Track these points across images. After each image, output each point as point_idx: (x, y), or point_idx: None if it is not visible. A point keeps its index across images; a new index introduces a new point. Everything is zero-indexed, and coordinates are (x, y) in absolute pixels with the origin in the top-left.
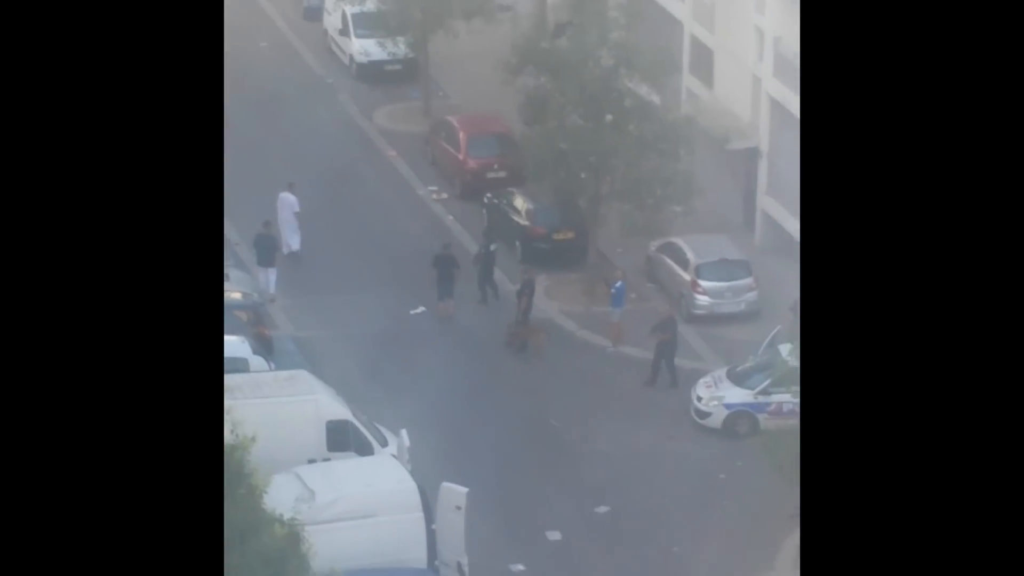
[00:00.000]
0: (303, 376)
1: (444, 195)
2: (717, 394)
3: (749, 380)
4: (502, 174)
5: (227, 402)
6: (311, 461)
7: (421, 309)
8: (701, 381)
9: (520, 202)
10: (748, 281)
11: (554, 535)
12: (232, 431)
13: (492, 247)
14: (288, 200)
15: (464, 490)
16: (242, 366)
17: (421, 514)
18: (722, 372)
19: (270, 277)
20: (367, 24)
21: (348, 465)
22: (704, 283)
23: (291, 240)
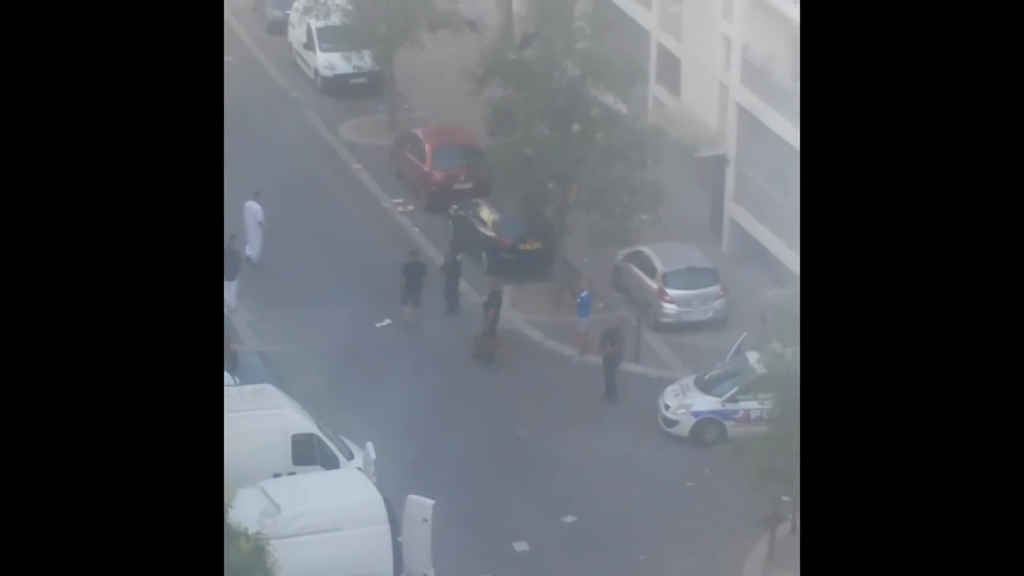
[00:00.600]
0: (268, 390)
1: (410, 207)
2: (685, 402)
3: (716, 388)
4: (468, 185)
5: None
6: (277, 475)
7: (387, 322)
8: (669, 389)
9: (486, 213)
10: (715, 289)
11: (521, 545)
12: None
13: (458, 257)
14: (253, 208)
15: (430, 502)
16: None
17: (387, 527)
18: (690, 380)
19: (231, 290)
20: (332, 38)
21: (314, 479)
22: (671, 291)
23: (253, 248)
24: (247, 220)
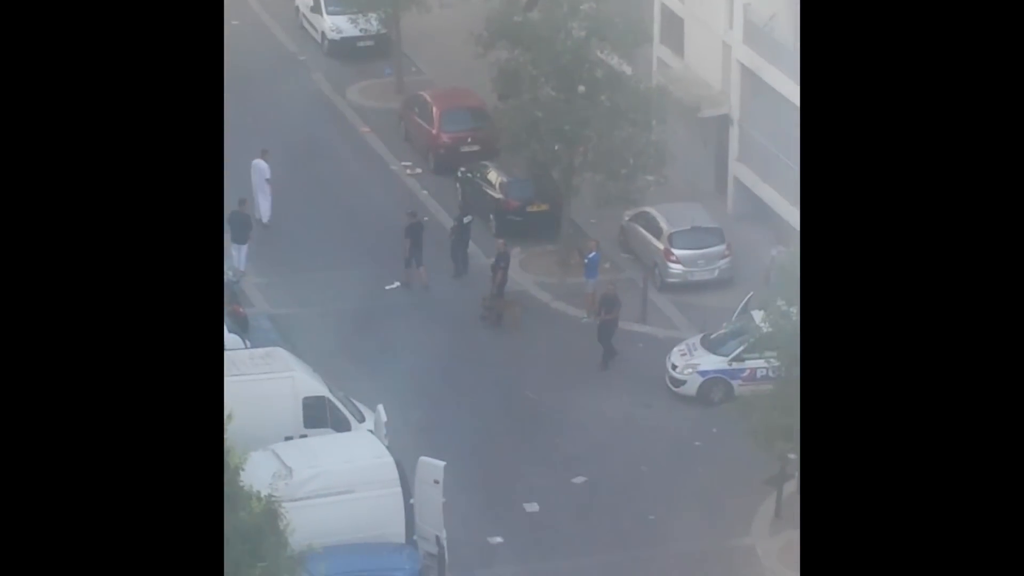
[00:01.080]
0: (279, 353)
1: (418, 170)
2: (691, 362)
3: (723, 347)
4: (475, 148)
5: None
6: (288, 438)
7: (396, 284)
8: (676, 349)
9: (494, 175)
10: (721, 248)
11: (532, 507)
12: None
13: (466, 220)
14: (260, 167)
15: (441, 464)
16: None
17: (399, 489)
18: (696, 340)
19: (241, 254)
20: (339, 0)
21: (325, 441)
22: (677, 251)
23: (262, 207)
24: (254, 178)
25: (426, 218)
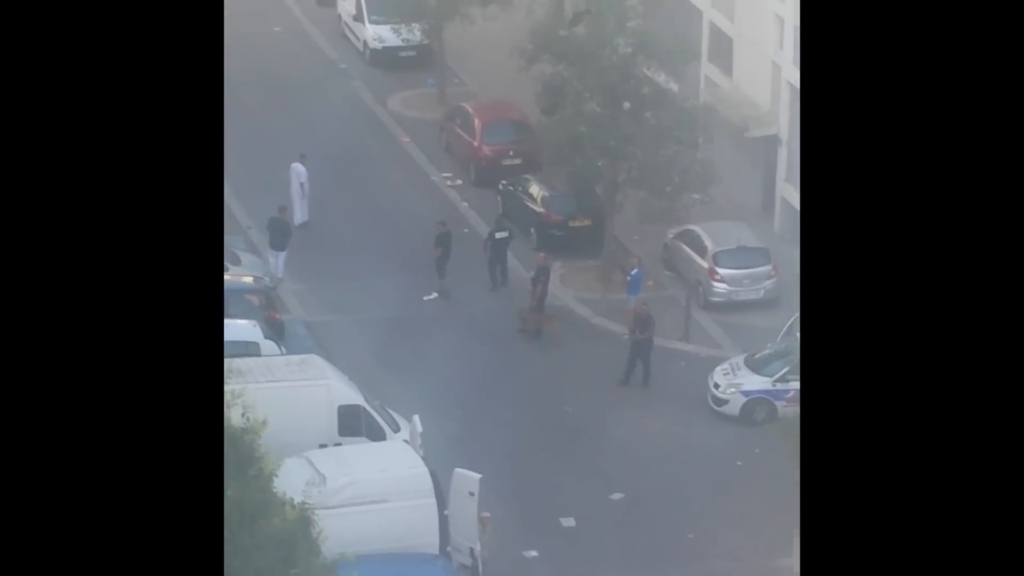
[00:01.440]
0: (315, 361)
1: (459, 181)
2: (735, 381)
3: (767, 367)
4: (517, 161)
5: (239, 386)
6: (322, 446)
7: (434, 295)
8: (719, 368)
9: (535, 189)
10: (767, 268)
11: (568, 522)
12: (243, 415)
13: (497, 235)
14: (298, 170)
15: (477, 476)
16: (254, 350)
17: (433, 500)
18: (740, 359)
19: (280, 260)
20: (381, 10)
21: (360, 450)
22: (722, 270)
23: (299, 210)
24: (293, 182)
25: (466, 230)
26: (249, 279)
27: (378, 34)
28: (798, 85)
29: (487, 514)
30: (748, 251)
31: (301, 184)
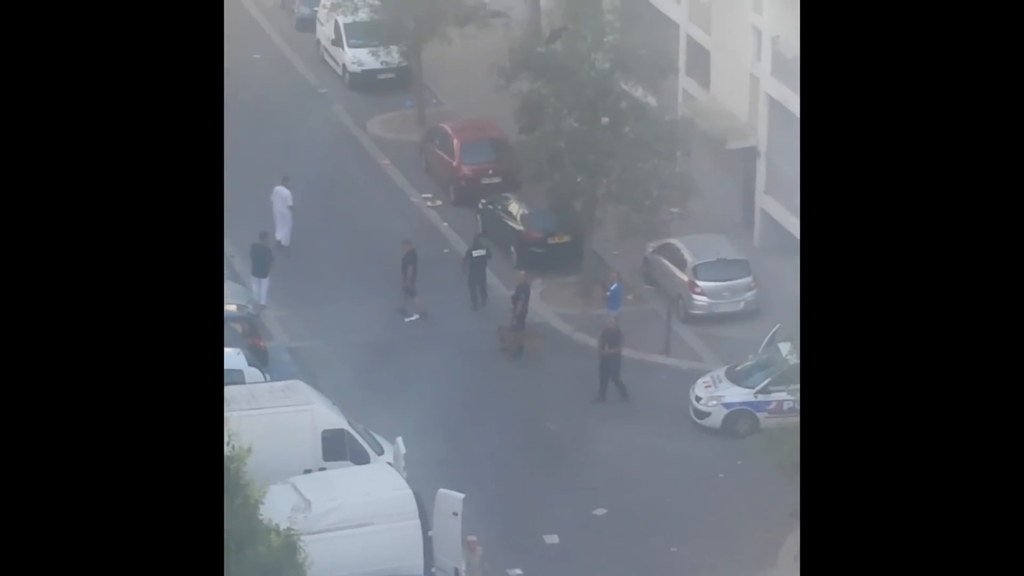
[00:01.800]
0: (298, 386)
1: (439, 202)
2: (716, 393)
3: (749, 379)
4: (496, 180)
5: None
6: (307, 471)
7: (415, 317)
8: (700, 381)
9: (515, 207)
10: (747, 280)
11: (552, 538)
12: (228, 442)
13: (475, 253)
14: (282, 193)
15: (460, 496)
16: (238, 378)
17: (418, 521)
18: (721, 371)
19: (263, 287)
20: (360, 34)
21: (344, 474)
22: (702, 283)
23: (282, 233)
24: (276, 205)
25: (446, 250)
26: (233, 307)
27: (357, 57)
28: (776, 96)
29: (473, 538)
30: (728, 263)
31: (289, 207)
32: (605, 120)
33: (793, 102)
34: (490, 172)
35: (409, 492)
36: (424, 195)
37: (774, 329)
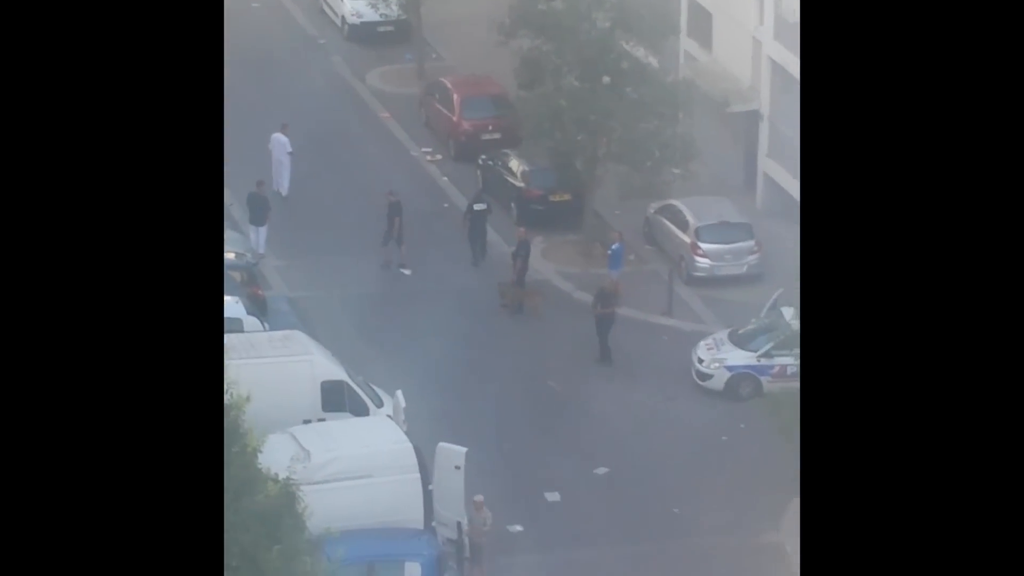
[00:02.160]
0: (298, 336)
1: (438, 157)
2: (719, 356)
3: (752, 343)
4: (496, 136)
5: None
6: (306, 421)
7: (408, 272)
8: (702, 343)
9: (515, 164)
10: (750, 244)
11: (553, 496)
12: (227, 391)
13: (476, 207)
14: (280, 140)
15: (463, 450)
16: (236, 326)
17: (418, 475)
18: (723, 334)
19: (260, 236)
20: None
21: (343, 426)
22: (704, 245)
23: (281, 182)
24: (274, 152)
25: (446, 204)
26: (231, 255)
27: (356, 9)
28: (779, 60)
29: (480, 498)
30: (730, 226)
31: (288, 154)
32: (606, 79)
33: (795, 66)
34: (490, 128)
35: (409, 445)
36: (424, 149)
37: (777, 293)
